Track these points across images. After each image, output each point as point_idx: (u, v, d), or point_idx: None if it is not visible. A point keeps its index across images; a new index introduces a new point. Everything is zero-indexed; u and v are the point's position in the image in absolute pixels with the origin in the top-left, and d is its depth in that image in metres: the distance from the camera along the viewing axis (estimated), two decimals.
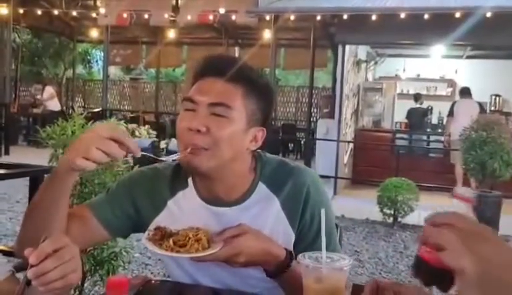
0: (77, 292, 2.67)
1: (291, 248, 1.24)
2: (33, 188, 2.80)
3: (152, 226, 1.22)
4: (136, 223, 1.29)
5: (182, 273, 1.29)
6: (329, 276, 1.02)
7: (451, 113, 7.97)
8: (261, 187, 1.25)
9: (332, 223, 1.32)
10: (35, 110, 12.43)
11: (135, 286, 1.15)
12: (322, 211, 1.10)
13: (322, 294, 1.02)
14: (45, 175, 2.73)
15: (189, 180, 1.28)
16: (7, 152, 10.04)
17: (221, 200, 1.24)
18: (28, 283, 0.86)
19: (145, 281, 1.22)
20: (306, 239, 1.25)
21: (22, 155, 9.42)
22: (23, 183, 2.94)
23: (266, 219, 1.24)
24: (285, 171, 1.28)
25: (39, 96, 12.52)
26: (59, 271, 0.86)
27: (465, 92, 8.10)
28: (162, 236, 1.13)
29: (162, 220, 1.25)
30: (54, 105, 12.33)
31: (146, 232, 1.16)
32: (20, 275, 1.59)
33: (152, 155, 1.22)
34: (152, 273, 3.98)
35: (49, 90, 12.45)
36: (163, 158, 1.23)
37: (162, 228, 1.15)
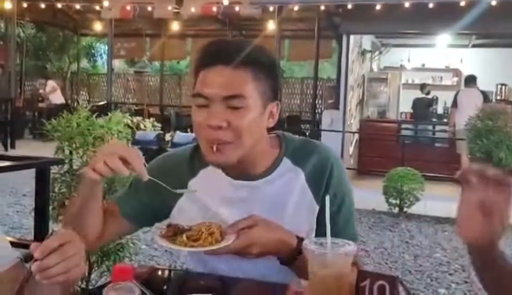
0: (84, 283, 2.69)
1: (315, 220, 1.26)
2: (39, 180, 2.81)
3: (175, 210, 1.27)
4: (160, 211, 1.31)
5: (199, 264, 1.31)
6: (334, 261, 1.02)
7: (454, 104, 7.92)
8: (286, 162, 1.27)
9: (353, 207, 1.34)
10: (40, 104, 12.50)
11: (141, 274, 1.16)
12: (327, 198, 1.10)
13: (327, 279, 1.02)
14: (51, 167, 2.75)
15: None
16: (13, 146, 10.10)
17: (247, 174, 1.25)
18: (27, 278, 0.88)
19: (151, 270, 1.23)
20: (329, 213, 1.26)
21: (28, 148, 9.47)
22: (30, 176, 2.96)
23: (292, 191, 1.25)
24: (309, 146, 1.30)
25: (41, 91, 12.59)
26: (62, 266, 0.89)
27: (470, 80, 8.05)
28: (175, 233, 1.13)
29: (184, 202, 1.27)
30: (57, 98, 12.40)
31: (158, 230, 1.16)
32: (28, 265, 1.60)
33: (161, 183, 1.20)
34: (158, 264, 4.00)
35: (51, 83, 12.54)
36: (179, 191, 1.23)
37: (174, 225, 1.16)
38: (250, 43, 1.21)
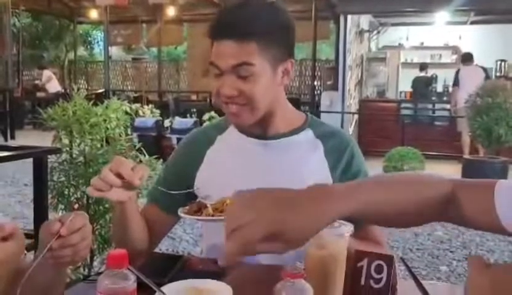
0: (86, 270, 2.71)
1: None
2: (37, 170, 2.81)
3: (197, 182, 1.32)
4: (190, 191, 1.35)
5: (214, 252, 1.33)
6: (330, 242, 1.02)
7: (456, 82, 7.87)
8: (309, 132, 1.34)
9: None
10: (38, 94, 12.46)
11: (138, 260, 1.16)
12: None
13: (324, 259, 1.03)
14: (48, 156, 2.74)
15: (231, 125, 1.35)
16: (12, 136, 10.10)
17: (269, 133, 1.32)
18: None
19: (149, 255, 1.23)
20: None
21: (28, 138, 9.46)
22: (30, 166, 2.95)
23: (309, 161, 1.31)
24: (331, 128, 1.38)
25: (37, 81, 12.59)
26: (81, 246, 0.93)
27: (468, 58, 7.99)
28: (199, 208, 1.17)
29: (203, 171, 1.33)
30: (54, 86, 12.37)
31: (180, 208, 1.19)
32: (30, 255, 1.61)
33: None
34: (160, 249, 4.02)
35: (46, 73, 12.55)
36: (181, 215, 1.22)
37: (197, 202, 1.20)
38: (254, 10, 1.22)
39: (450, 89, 9.96)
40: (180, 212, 1.18)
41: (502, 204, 0.90)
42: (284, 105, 1.33)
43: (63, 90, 12.37)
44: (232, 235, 0.76)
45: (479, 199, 0.92)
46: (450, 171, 6.73)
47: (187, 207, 1.19)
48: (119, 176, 1.11)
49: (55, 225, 0.90)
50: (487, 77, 7.65)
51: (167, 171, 1.41)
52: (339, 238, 1.04)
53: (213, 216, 1.13)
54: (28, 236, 1.28)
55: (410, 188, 0.93)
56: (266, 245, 0.76)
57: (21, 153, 2.81)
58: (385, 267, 1.05)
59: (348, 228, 1.07)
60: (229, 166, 1.32)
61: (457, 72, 8.01)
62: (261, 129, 1.31)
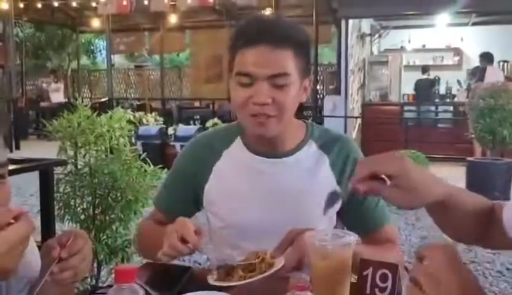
0: (93, 281, 2.72)
1: (338, 205, 1.29)
2: (43, 182, 2.83)
3: (205, 196, 1.33)
4: (197, 200, 1.37)
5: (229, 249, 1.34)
6: (335, 252, 1.03)
7: (481, 78, 7.79)
8: (312, 145, 1.33)
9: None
10: (42, 104, 12.53)
11: (145, 273, 1.17)
12: (328, 194, 1.12)
13: (329, 270, 1.04)
14: (54, 168, 2.77)
15: (237, 138, 1.35)
16: (17, 147, 10.13)
17: (274, 152, 1.31)
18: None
19: (155, 268, 1.24)
20: (357, 200, 1.29)
21: (33, 149, 9.50)
22: (36, 176, 2.98)
23: (317, 174, 1.31)
24: (332, 135, 1.37)
25: (44, 85, 12.77)
26: (83, 267, 0.92)
27: (491, 59, 8.01)
28: (228, 272, 1.12)
29: (212, 185, 1.33)
30: (57, 97, 12.53)
31: (210, 276, 1.11)
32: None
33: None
34: None
35: (54, 85, 12.73)
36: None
37: (223, 265, 1.15)
38: (286, 21, 1.26)
39: (453, 91, 9.96)
40: (210, 280, 1.11)
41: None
42: (294, 123, 1.34)
43: (66, 100, 12.43)
44: None
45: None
46: (454, 173, 6.72)
47: (215, 273, 1.12)
48: (183, 240, 1.11)
49: (55, 251, 0.89)
50: (507, 77, 7.68)
51: (175, 178, 1.41)
52: (343, 247, 1.05)
53: (244, 278, 1.09)
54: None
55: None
56: None
57: (28, 166, 2.83)
58: (390, 276, 1.06)
59: (351, 239, 1.08)
60: (237, 186, 1.32)
61: (483, 70, 7.96)
62: (269, 146, 1.31)
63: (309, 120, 1.42)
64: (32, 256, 0.97)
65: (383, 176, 0.93)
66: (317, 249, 1.03)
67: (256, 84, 1.19)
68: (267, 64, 1.18)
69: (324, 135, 1.36)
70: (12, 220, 0.79)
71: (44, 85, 12.87)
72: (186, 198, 1.38)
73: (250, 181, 1.32)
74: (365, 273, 1.07)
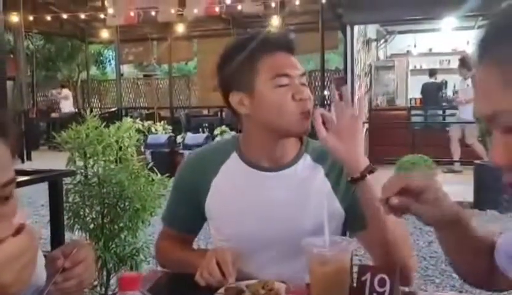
0: (103, 289, 2.76)
1: (334, 209, 1.33)
2: (52, 192, 2.88)
3: (206, 210, 1.38)
4: (203, 212, 1.41)
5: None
6: (333, 258, 1.05)
7: None
8: (307, 158, 1.38)
9: None
10: (53, 115, 12.66)
11: (149, 281, 1.20)
12: (325, 200, 1.14)
13: (328, 276, 1.05)
14: (63, 178, 2.81)
15: (233, 153, 1.38)
16: (28, 158, 10.23)
17: (271, 165, 1.35)
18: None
19: (160, 275, 1.27)
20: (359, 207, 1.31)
21: (44, 159, 9.57)
22: (46, 187, 3.03)
23: (312, 184, 1.35)
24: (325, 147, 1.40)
25: (54, 92, 12.97)
26: (86, 275, 0.94)
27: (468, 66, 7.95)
28: (238, 293, 1.15)
29: (211, 201, 1.37)
30: (68, 106, 12.68)
31: (217, 293, 1.15)
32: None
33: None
34: None
35: (65, 91, 12.86)
36: None
37: (232, 287, 1.16)
38: (285, 31, 1.39)
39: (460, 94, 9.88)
40: None
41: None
42: None
43: (76, 110, 12.56)
44: None
45: None
46: (462, 177, 6.70)
47: (222, 291, 1.16)
48: (219, 268, 1.18)
49: (59, 261, 0.91)
50: None
51: (177, 194, 1.46)
52: (342, 253, 1.07)
53: None
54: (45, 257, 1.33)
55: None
56: None
57: (37, 177, 2.89)
58: (388, 280, 1.08)
59: (349, 244, 1.11)
60: (235, 201, 1.35)
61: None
62: (268, 159, 1.35)
63: None
64: (40, 266, 1.00)
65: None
66: (315, 255, 1.06)
67: (293, 83, 1.28)
68: (295, 65, 1.31)
69: (317, 148, 1.39)
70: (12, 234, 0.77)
71: (53, 91, 13.08)
72: (191, 212, 1.42)
73: (248, 195, 1.35)
74: (363, 278, 1.10)
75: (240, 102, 1.31)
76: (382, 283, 1.08)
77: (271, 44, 1.31)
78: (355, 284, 1.08)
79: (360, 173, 1.22)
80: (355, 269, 1.21)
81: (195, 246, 1.55)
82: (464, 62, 7.88)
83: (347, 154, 1.22)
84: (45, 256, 1.01)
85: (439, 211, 0.97)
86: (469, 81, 7.68)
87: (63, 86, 13.36)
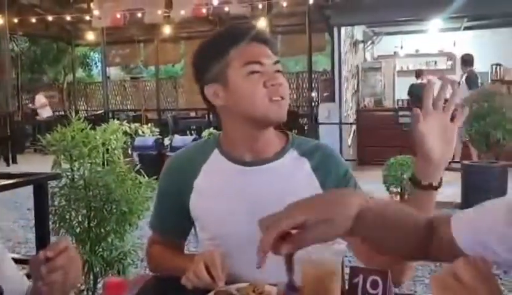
0: (89, 294, 2.72)
1: None
2: (38, 196, 2.84)
3: (191, 211, 1.36)
4: (188, 214, 1.39)
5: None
6: (324, 261, 1.04)
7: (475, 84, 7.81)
8: (292, 152, 1.37)
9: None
10: (38, 118, 12.54)
11: (136, 285, 1.18)
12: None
13: (318, 278, 1.04)
14: (49, 182, 2.77)
15: (214, 150, 1.37)
16: (14, 161, 10.12)
17: (255, 159, 1.34)
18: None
19: (147, 279, 1.24)
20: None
21: (29, 162, 9.49)
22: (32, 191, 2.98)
23: (298, 178, 1.33)
24: (312, 143, 1.42)
25: (30, 105, 12.72)
26: (72, 269, 0.94)
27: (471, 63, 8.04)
28: None
29: (195, 201, 1.35)
30: (46, 112, 12.54)
31: None
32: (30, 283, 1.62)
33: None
34: None
35: (40, 98, 12.65)
36: None
37: (222, 291, 1.15)
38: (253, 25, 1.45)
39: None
40: None
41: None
42: (272, 129, 1.38)
43: (62, 113, 12.44)
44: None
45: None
46: (449, 177, 6.73)
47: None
48: (208, 271, 1.16)
49: (41, 253, 0.92)
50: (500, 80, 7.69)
51: (162, 199, 1.45)
52: (334, 255, 1.06)
53: None
54: (26, 262, 1.30)
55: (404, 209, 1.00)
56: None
57: (22, 180, 2.84)
58: (380, 282, 1.06)
59: (341, 246, 1.09)
60: (220, 198, 1.34)
61: (475, 76, 8.01)
62: (251, 153, 1.34)
63: (295, 131, 1.48)
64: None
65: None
66: (307, 257, 1.04)
67: (265, 71, 1.27)
68: (267, 54, 1.30)
69: (304, 143, 1.39)
70: None
71: (30, 105, 12.89)
72: (177, 215, 1.40)
73: (232, 191, 1.34)
74: (355, 280, 1.08)
75: (215, 94, 1.30)
76: (374, 285, 1.06)
77: (243, 35, 1.31)
78: (347, 287, 1.06)
79: (439, 183, 1.19)
80: (346, 270, 1.19)
81: (186, 252, 1.52)
82: (465, 61, 8.00)
83: (440, 156, 1.15)
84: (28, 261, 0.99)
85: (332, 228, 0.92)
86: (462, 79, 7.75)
87: (36, 92, 13.09)
